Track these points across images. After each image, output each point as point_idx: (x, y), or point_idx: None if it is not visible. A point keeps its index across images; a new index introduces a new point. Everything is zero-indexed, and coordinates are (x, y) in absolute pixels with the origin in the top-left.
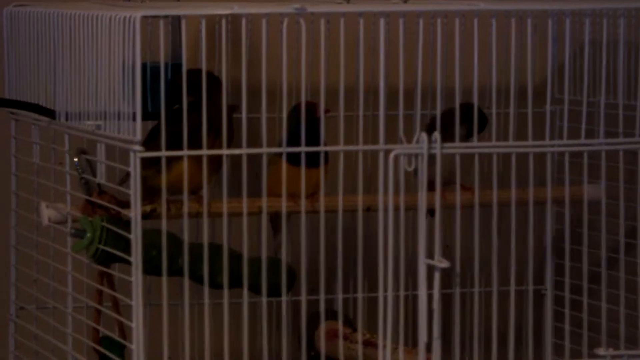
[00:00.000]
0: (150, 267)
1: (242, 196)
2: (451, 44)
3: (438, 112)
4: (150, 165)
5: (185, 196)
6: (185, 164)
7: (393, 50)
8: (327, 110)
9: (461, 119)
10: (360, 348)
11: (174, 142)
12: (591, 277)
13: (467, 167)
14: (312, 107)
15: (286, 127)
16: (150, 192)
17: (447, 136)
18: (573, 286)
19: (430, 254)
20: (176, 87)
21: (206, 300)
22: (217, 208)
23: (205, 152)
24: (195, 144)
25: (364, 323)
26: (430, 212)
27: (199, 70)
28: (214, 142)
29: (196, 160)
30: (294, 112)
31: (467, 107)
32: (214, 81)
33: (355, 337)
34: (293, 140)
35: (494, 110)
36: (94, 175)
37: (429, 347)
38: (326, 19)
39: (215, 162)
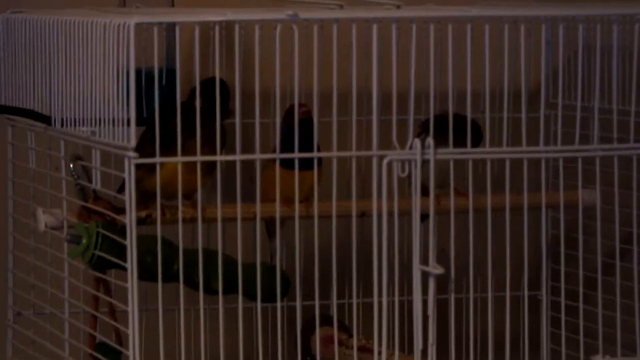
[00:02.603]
0: (146, 273)
1: (237, 201)
2: (444, 50)
3: (431, 118)
4: (139, 166)
5: (179, 200)
6: (179, 167)
7: (386, 55)
8: (308, 111)
9: (455, 133)
10: (355, 354)
11: (165, 143)
12: (587, 283)
13: (461, 172)
14: (299, 108)
15: (279, 130)
16: (144, 197)
17: (440, 140)
18: (569, 292)
19: (424, 260)
20: (172, 92)
21: (201, 306)
22: (212, 213)
23: (199, 158)
24: (184, 146)
25: (359, 328)
26: (422, 216)
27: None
28: (205, 145)
29: (187, 162)
30: (286, 115)
31: (460, 119)
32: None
33: (351, 343)
34: (286, 142)
35: (487, 116)
36: (90, 181)
37: (424, 353)
38: (319, 25)
39: (207, 165)
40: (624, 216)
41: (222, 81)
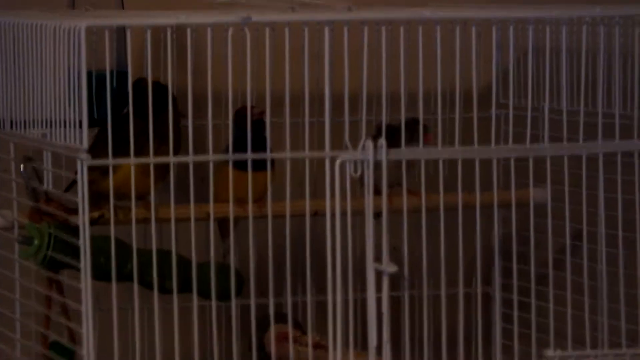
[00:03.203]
0: (99, 273)
1: (190, 202)
2: (396, 51)
3: (384, 118)
4: (94, 168)
5: (132, 202)
6: (132, 170)
7: (338, 57)
8: (261, 112)
9: (407, 136)
10: (310, 351)
11: (119, 147)
12: (538, 279)
13: (413, 172)
14: (245, 112)
15: (231, 132)
16: (97, 197)
17: (393, 145)
18: (521, 288)
19: (378, 258)
20: (123, 94)
21: (156, 306)
22: (165, 214)
23: (152, 160)
24: (139, 149)
25: (313, 326)
26: (375, 215)
27: (145, 79)
28: (159, 148)
29: (141, 165)
30: (236, 116)
31: (413, 123)
32: (162, 90)
33: (305, 340)
34: (238, 144)
35: (439, 116)
36: (41, 182)
37: (378, 351)
38: (271, 28)
39: (161, 168)
40: (573, 213)
41: (157, 81)
